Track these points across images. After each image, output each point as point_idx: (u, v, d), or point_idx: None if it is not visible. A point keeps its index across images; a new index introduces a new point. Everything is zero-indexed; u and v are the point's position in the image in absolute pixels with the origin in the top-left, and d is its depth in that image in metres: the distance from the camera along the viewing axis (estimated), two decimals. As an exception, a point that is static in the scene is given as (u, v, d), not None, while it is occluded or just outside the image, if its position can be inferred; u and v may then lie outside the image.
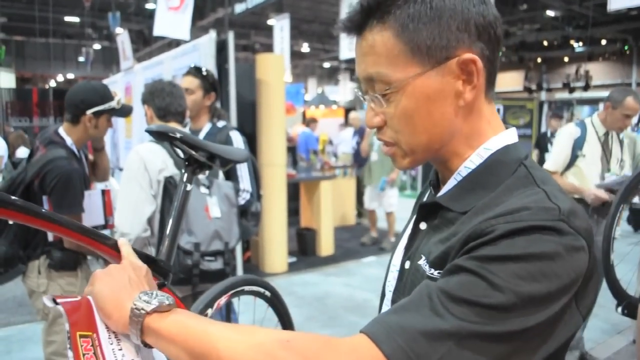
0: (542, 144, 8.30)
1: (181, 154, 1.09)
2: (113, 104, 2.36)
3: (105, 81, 6.31)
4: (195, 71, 2.76)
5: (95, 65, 22.04)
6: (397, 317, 0.65)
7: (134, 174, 2.10)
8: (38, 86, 18.64)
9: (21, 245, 2.34)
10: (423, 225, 0.85)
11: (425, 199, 0.94)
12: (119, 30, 9.52)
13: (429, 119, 0.77)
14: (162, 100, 2.27)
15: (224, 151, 1.14)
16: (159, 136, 1.04)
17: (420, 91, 0.76)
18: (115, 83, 7.85)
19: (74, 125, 2.37)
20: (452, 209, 0.79)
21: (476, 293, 0.63)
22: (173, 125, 2.29)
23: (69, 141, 2.38)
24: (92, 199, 2.45)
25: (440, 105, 0.77)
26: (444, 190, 0.83)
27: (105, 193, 2.55)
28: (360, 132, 8.92)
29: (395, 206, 6.97)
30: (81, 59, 21.88)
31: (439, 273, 0.74)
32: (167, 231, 1.05)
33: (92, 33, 21.46)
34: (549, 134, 8.34)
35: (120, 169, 5.14)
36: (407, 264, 0.84)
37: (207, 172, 2.33)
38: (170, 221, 1.05)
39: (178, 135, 1.03)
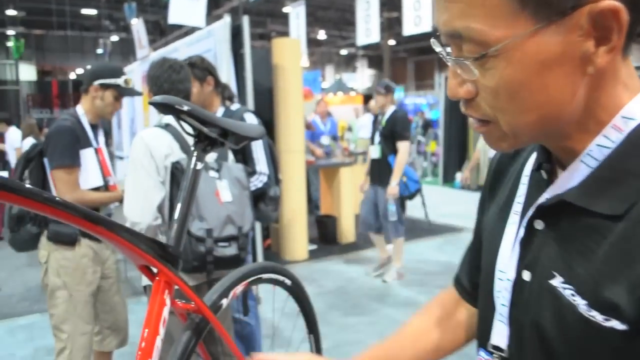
0: None
1: (190, 130, 0.99)
2: (119, 81, 2.54)
3: (129, 66, 6.25)
4: None
5: (113, 56, 22.14)
6: None
7: (140, 161, 2.02)
8: (58, 78, 18.75)
9: None
10: (539, 225, 0.65)
11: (525, 184, 0.71)
12: (134, 21, 9.49)
13: (542, 93, 0.56)
14: (164, 80, 2.16)
15: (237, 127, 1.04)
16: (164, 109, 0.93)
17: (532, 56, 0.55)
18: (132, 72, 7.79)
19: (85, 95, 2.57)
20: (593, 210, 0.58)
21: None
22: None
23: (80, 111, 2.57)
24: (86, 159, 2.51)
25: (560, 74, 0.55)
26: (568, 180, 0.62)
27: (97, 151, 2.59)
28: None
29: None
30: (99, 50, 22.01)
31: (605, 318, 0.55)
32: (176, 215, 0.95)
33: (109, 25, 21.55)
34: None
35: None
36: (527, 276, 0.66)
37: (217, 153, 2.24)
38: (179, 204, 0.95)
39: (185, 108, 0.92)
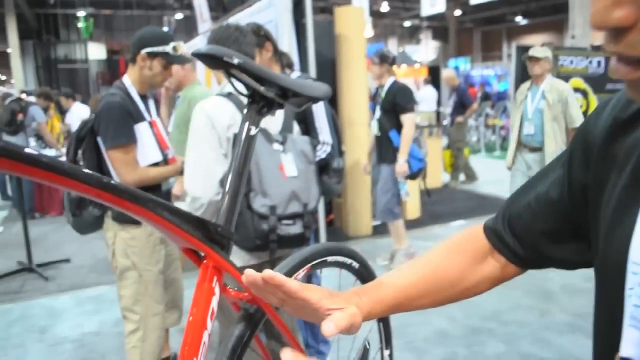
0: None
1: (243, 90, 0.84)
2: (167, 48, 2.35)
3: (185, 46, 6.22)
4: None
5: (178, 34, 22.46)
6: None
7: (201, 132, 1.90)
8: (125, 57, 19.23)
9: None
10: None
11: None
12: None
13: None
14: (231, 42, 2.02)
15: (298, 85, 0.87)
16: (211, 62, 0.78)
17: None
18: (195, 47, 7.79)
19: (133, 65, 2.41)
20: None
21: None
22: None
23: (127, 82, 2.42)
24: (142, 133, 2.38)
25: None
26: None
27: (152, 124, 2.45)
28: (458, 91, 8.39)
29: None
30: (164, 28, 22.38)
31: None
32: (227, 187, 0.81)
33: (173, 3, 21.83)
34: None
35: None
36: None
37: (281, 123, 2.10)
38: (230, 175, 0.81)
39: (236, 61, 0.77)
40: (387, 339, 1.38)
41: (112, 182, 0.57)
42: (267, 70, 0.83)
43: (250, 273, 0.66)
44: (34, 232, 5.60)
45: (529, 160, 4.57)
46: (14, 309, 4.13)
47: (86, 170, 0.56)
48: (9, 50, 18.64)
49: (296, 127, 2.13)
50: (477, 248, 0.83)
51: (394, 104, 4.37)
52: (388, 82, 4.52)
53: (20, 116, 7.46)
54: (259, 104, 0.85)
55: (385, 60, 4.50)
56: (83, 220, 2.38)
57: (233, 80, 0.82)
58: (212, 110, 1.91)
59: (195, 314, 0.71)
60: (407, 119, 4.34)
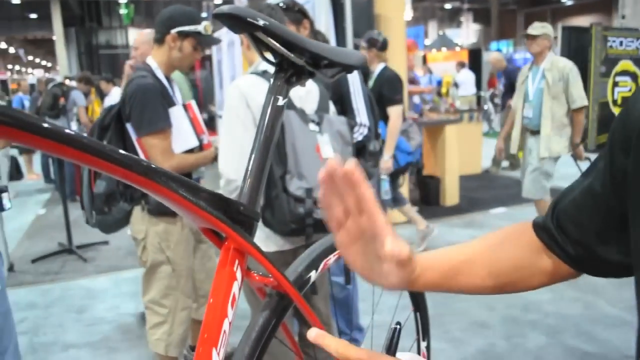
0: None
1: (270, 56, 0.77)
2: (199, 27, 2.21)
3: (222, 30, 6.21)
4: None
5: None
6: None
7: (235, 112, 1.83)
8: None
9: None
10: None
11: None
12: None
13: None
14: None
15: (331, 52, 0.79)
16: (233, 23, 0.70)
17: None
18: (229, 32, 7.76)
19: (160, 45, 2.27)
20: None
21: None
22: None
23: (153, 65, 2.28)
24: (177, 118, 2.26)
25: None
26: None
27: (187, 107, 2.34)
28: (506, 73, 8.06)
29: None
30: (203, 14, 22.50)
31: None
32: (250, 164, 0.74)
33: (212, -12, 21.92)
34: None
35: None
36: None
37: (316, 103, 2.02)
38: (255, 151, 0.74)
39: (261, 22, 0.69)
40: (424, 330, 1.30)
41: (114, 149, 0.50)
42: (296, 35, 0.75)
43: (334, 161, 0.59)
44: (75, 214, 5.67)
45: (530, 144, 4.35)
46: (53, 289, 4.21)
47: (88, 138, 0.49)
48: (54, 38, 19.06)
49: (332, 108, 2.05)
50: (528, 242, 0.76)
51: (380, 94, 3.94)
52: (378, 68, 4.18)
53: (62, 100, 7.59)
54: (287, 72, 0.77)
55: (374, 45, 4.16)
56: (112, 217, 2.25)
57: (259, 45, 0.74)
58: (246, 89, 1.84)
59: (214, 301, 0.64)
60: (393, 112, 3.98)
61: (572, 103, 4.12)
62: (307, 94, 2.00)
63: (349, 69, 0.82)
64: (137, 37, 3.40)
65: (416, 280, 0.69)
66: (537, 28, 4.21)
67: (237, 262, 0.68)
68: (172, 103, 2.27)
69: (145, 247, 2.30)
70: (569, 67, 4.13)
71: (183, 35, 2.23)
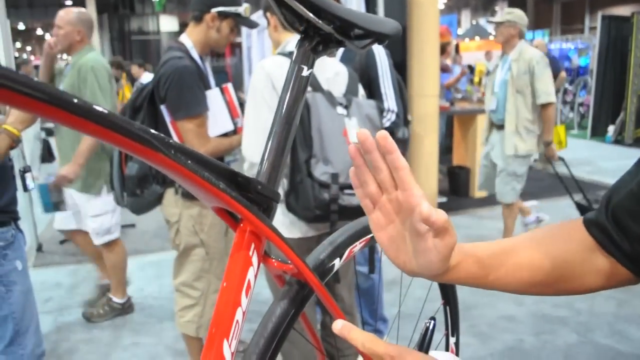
0: None
1: (295, 22, 0.70)
2: (240, 9, 2.19)
3: (253, 16, 6.16)
4: None
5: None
6: None
7: (261, 93, 1.78)
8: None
9: None
10: None
11: None
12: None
13: None
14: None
15: (363, 19, 0.72)
16: None
17: None
18: (261, 17, 7.71)
19: (197, 24, 2.23)
20: None
21: None
22: None
23: (188, 44, 2.24)
24: (213, 101, 2.21)
25: None
26: None
27: (224, 90, 2.29)
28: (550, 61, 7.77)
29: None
30: None
31: None
32: (271, 139, 0.68)
33: (245, -26, 21.89)
34: None
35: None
36: None
37: (346, 83, 1.94)
38: (275, 125, 0.68)
39: (285, -18, 0.63)
40: (453, 325, 1.23)
41: (106, 112, 0.44)
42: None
43: (365, 132, 0.56)
44: (103, 196, 5.72)
45: (492, 139, 4.09)
46: (80, 270, 4.24)
47: (85, 102, 0.44)
48: (88, 24, 19.27)
49: (361, 90, 1.97)
50: (580, 239, 0.68)
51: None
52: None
53: (93, 84, 7.63)
54: (314, 39, 0.70)
55: None
56: (144, 199, 2.23)
57: (284, 10, 0.68)
58: (272, 70, 1.78)
59: (226, 288, 0.58)
60: None
61: (537, 98, 3.78)
62: (335, 76, 1.93)
63: (382, 38, 0.75)
64: (62, 15, 2.99)
65: (455, 268, 0.62)
66: (501, 16, 3.93)
67: (253, 246, 0.62)
68: (208, 86, 2.23)
69: (179, 230, 2.28)
70: (537, 58, 3.78)
71: (223, 15, 2.20)
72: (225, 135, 2.27)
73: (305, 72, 0.69)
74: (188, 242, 2.28)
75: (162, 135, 0.51)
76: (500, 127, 3.98)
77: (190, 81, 2.09)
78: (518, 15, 3.89)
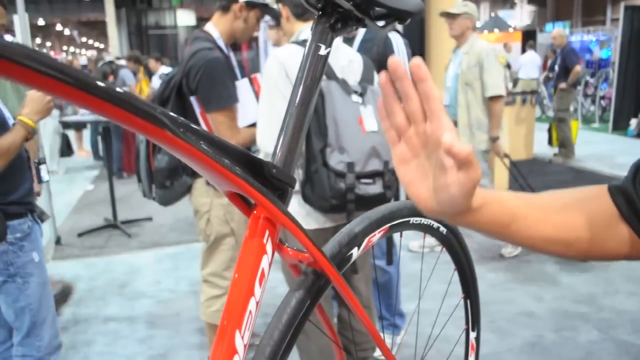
0: None
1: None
2: (267, 0, 2.18)
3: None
4: None
5: (265, 0, 22.58)
6: None
7: (274, 82, 1.75)
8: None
9: None
10: None
11: None
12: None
13: None
14: None
15: (384, -5, 0.68)
16: None
17: None
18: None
19: (224, 13, 2.19)
20: None
21: None
22: None
23: (215, 34, 2.21)
24: (242, 91, 2.19)
25: None
26: None
27: (252, 81, 2.26)
28: (563, 53, 7.51)
29: None
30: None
31: None
32: (286, 122, 0.64)
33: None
34: None
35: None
36: None
37: (361, 69, 1.90)
38: (291, 106, 0.64)
39: (302, -46, 0.59)
40: (474, 320, 1.20)
41: (102, 84, 0.41)
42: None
43: (397, 59, 0.54)
44: (121, 190, 5.76)
45: None
46: (98, 263, 4.26)
47: (88, 75, 0.41)
48: (106, 19, 19.41)
49: (377, 78, 1.93)
50: (605, 204, 0.64)
51: None
52: None
53: (111, 78, 7.67)
54: (332, 17, 0.66)
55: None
56: (173, 191, 2.22)
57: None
58: (285, 59, 1.75)
59: (239, 277, 0.56)
60: None
61: (485, 91, 3.65)
62: (349, 64, 1.89)
63: (404, 16, 0.71)
64: None
65: (477, 210, 0.59)
66: (457, 6, 3.77)
67: (267, 233, 0.59)
68: (235, 76, 2.21)
69: (210, 219, 2.25)
70: (486, 51, 3.66)
71: (250, 5, 2.18)
72: (254, 125, 2.26)
73: (323, 51, 0.65)
74: (219, 232, 2.26)
75: (172, 114, 0.48)
76: (455, 122, 3.85)
77: (222, 73, 2.07)
78: (472, 8, 3.77)
